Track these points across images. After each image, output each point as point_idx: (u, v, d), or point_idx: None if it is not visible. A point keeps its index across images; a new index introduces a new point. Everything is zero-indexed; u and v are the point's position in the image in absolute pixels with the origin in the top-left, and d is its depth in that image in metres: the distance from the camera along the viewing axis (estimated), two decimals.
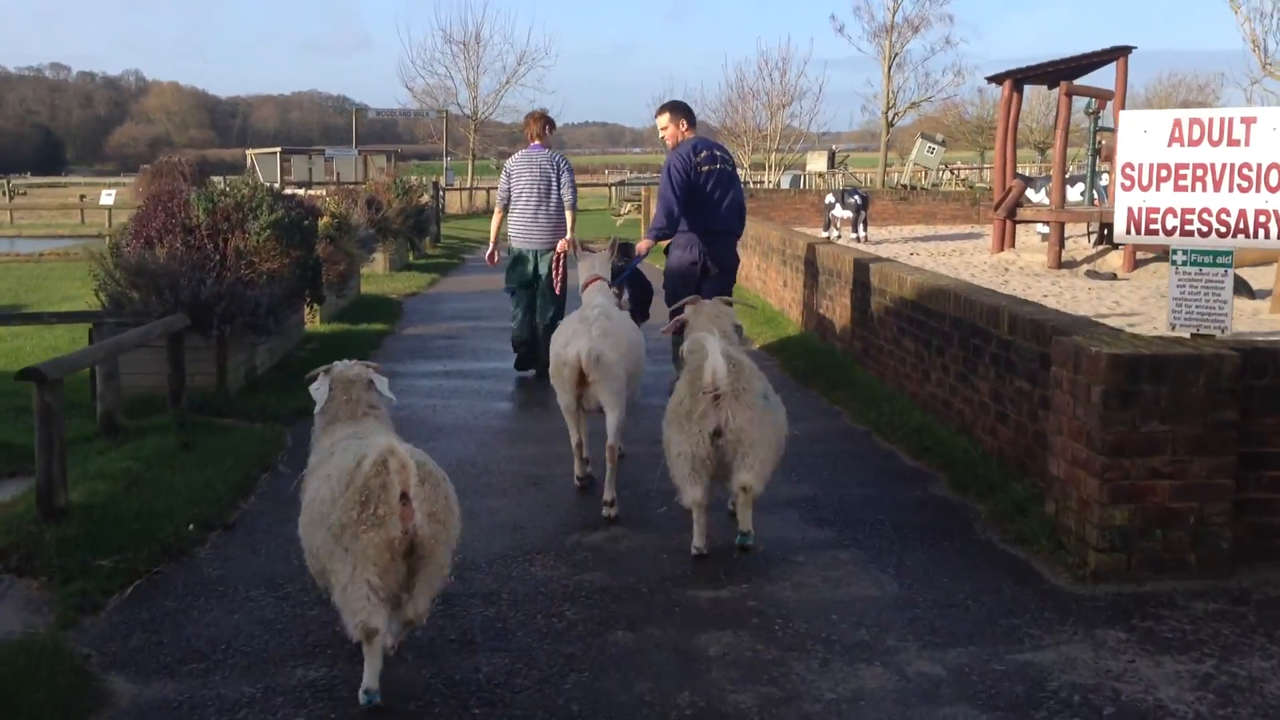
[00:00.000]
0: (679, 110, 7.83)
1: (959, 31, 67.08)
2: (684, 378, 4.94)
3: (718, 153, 7.71)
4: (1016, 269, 17.04)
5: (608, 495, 5.49)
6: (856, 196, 21.45)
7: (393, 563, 3.50)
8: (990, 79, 18.54)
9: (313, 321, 10.89)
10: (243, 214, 7.98)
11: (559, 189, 8.72)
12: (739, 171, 8.18)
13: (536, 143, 8.90)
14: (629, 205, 36.70)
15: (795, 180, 53.72)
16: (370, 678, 3.55)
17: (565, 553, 5.02)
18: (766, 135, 42.86)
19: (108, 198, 27.49)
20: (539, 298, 8.77)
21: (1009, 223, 18.45)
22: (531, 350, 8.82)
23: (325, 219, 11.49)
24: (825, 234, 21.68)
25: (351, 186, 25.67)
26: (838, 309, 9.21)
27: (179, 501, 5.36)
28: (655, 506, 5.64)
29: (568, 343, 5.63)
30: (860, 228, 21.42)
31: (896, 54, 43.98)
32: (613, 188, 49.87)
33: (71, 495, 5.21)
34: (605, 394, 5.56)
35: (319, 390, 4.26)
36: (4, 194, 41.81)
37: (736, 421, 4.69)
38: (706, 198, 7.48)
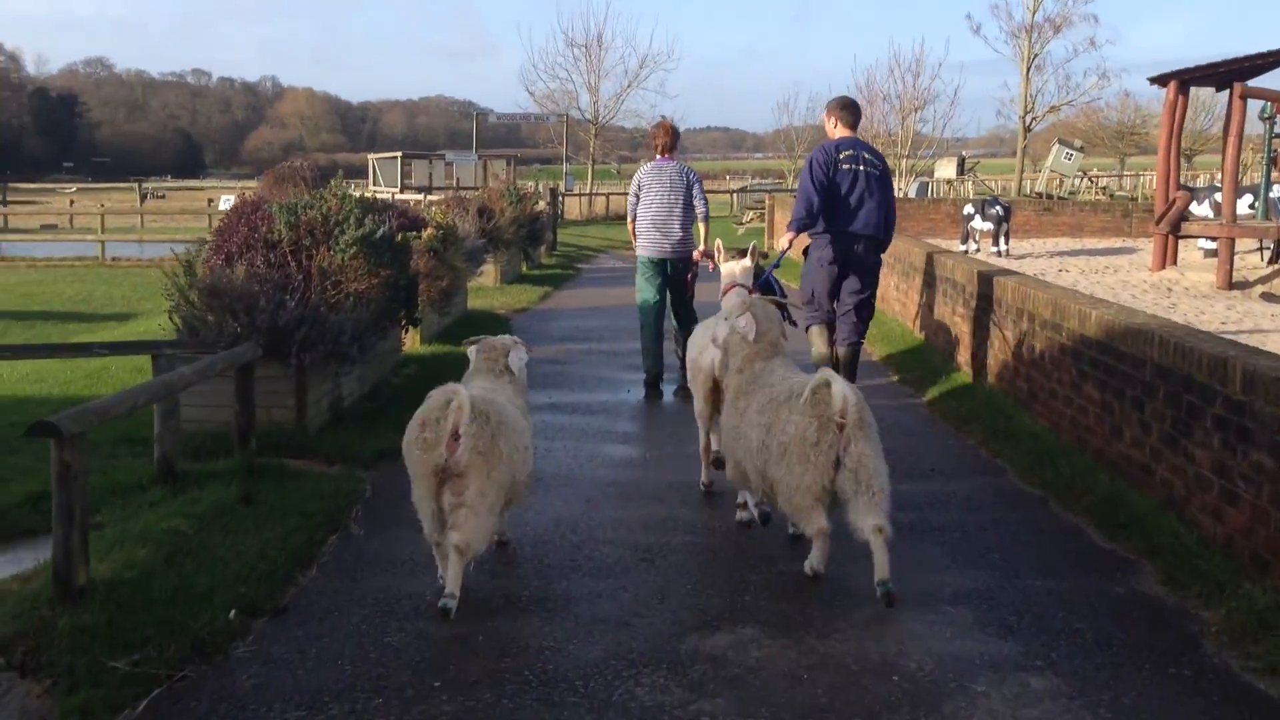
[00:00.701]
0: (837, 106, 7.88)
1: (1103, 32, 64.01)
2: (802, 404, 4.61)
3: (865, 154, 7.62)
4: (1181, 289, 15.46)
5: (742, 514, 5.57)
6: (998, 207, 19.98)
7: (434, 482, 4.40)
8: (1153, 80, 16.94)
9: (412, 342, 10.12)
10: (328, 229, 7.19)
11: (689, 199, 8.81)
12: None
13: (665, 155, 8.95)
14: (751, 214, 35.53)
15: (923, 188, 51.73)
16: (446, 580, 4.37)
17: (680, 665, 4.01)
18: (896, 140, 41.10)
19: (226, 202, 27.51)
20: (670, 306, 8.93)
21: (1171, 238, 16.84)
22: (659, 368, 8.88)
23: (429, 231, 10.73)
24: (963, 247, 20.27)
25: (468, 192, 25.20)
26: (996, 342, 8.01)
27: (225, 577, 4.52)
28: (790, 595, 4.62)
29: (703, 349, 5.81)
30: (1001, 241, 19.95)
31: (1036, 55, 41.79)
32: (734, 194, 48.65)
33: (101, 567, 4.41)
34: None
35: (472, 353, 5.38)
36: (138, 197, 42.87)
37: (857, 450, 4.54)
38: (844, 198, 7.47)
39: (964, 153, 64.30)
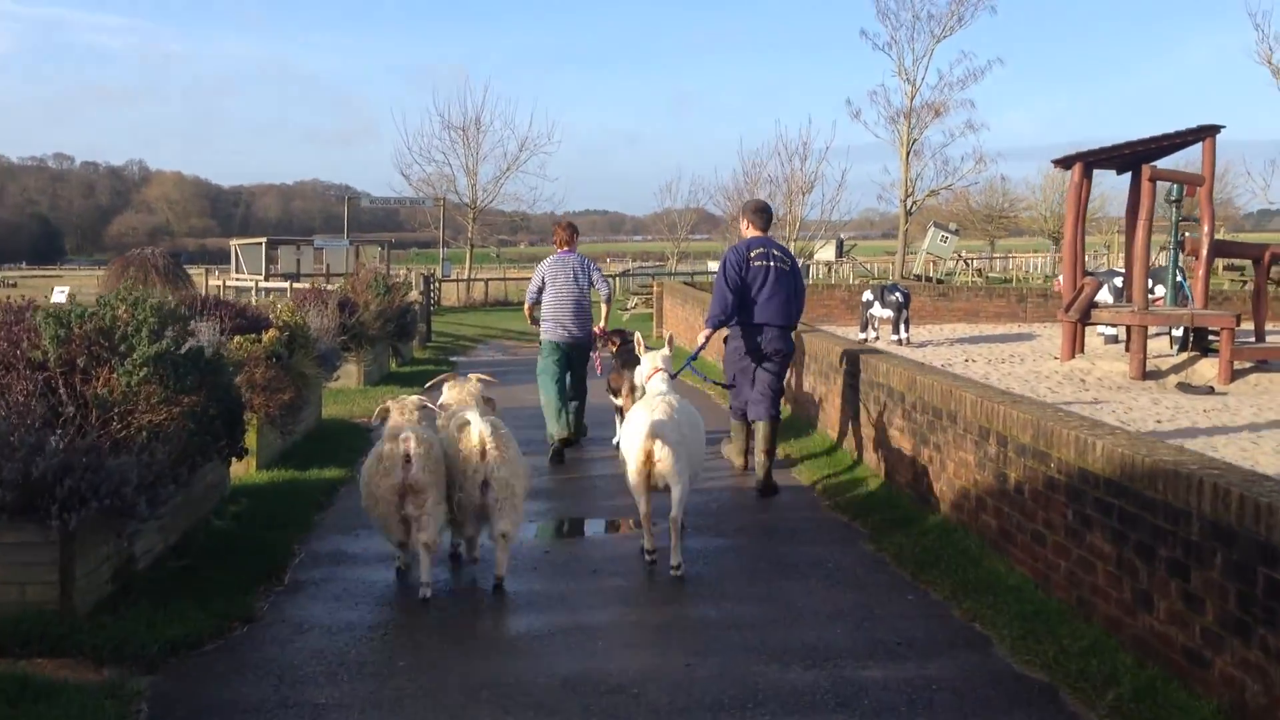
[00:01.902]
0: (751, 210, 8.83)
1: (980, 116, 65.39)
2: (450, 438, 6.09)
3: (775, 251, 8.41)
4: (1094, 380, 14.60)
5: (675, 560, 6.22)
6: (898, 294, 19.09)
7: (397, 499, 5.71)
8: (1057, 163, 16.31)
9: (246, 470, 8.38)
10: (112, 344, 5.51)
11: (590, 286, 9.81)
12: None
13: (566, 249, 10.00)
14: (636, 299, 34.29)
15: (804, 271, 51.59)
16: (407, 560, 6.09)
17: None
18: (784, 224, 40.57)
19: (60, 295, 25.10)
20: (570, 385, 9.86)
21: (1080, 326, 16.05)
22: (565, 434, 9.62)
23: (270, 334, 9.05)
24: (862, 335, 19.30)
25: (335, 280, 23.46)
26: (951, 466, 6.70)
27: None
28: None
29: (639, 427, 6.23)
30: (902, 328, 19.04)
31: (915, 140, 41.99)
32: (617, 278, 47.54)
33: None
34: (670, 473, 6.18)
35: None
36: None
37: (500, 474, 5.87)
38: (756, 293, 8.21)
39: (842, 235, 64.80)
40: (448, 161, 44.36)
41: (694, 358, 8.33)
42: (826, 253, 59.55)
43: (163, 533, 6.22)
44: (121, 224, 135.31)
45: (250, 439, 8.38)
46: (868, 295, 19.50)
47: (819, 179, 39.17)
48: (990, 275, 63.41)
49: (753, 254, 8.28)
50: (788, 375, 10.65)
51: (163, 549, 6.23)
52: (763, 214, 8.75)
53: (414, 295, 20.81)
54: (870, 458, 8.42)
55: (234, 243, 43.60)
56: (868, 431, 8.49)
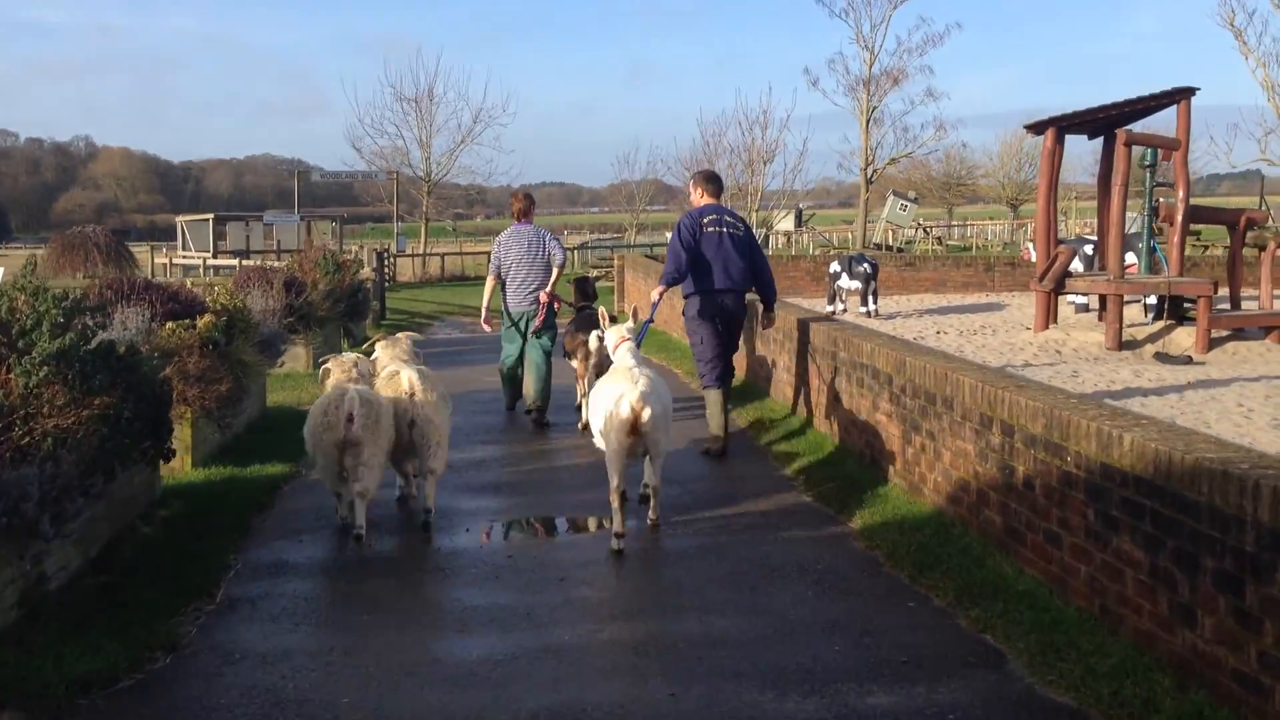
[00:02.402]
0: (702, 179, 8.96)
1: (939, 84, 64.40)
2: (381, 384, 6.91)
3: (727, 218, 8.61)
4: (1069, 351, 14.18)
5: (653, 514, 6.70)
6: (865, 265, 18.58)
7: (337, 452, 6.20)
8: (1029, 128, 15.82)
9: (181, 467, 7.72)
10: (9, 339, 4.83)
11: (546, 255, 10.04)
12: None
13: (523, 220, 10.23)
14: (595, 272, 33.59)
15: (764, 241, 51.13)
16: (344, 511, 6.51)
17: None
18: (746, 193, 39.91)
19: None
20: (529, 347, 10.07)
21: (1052, 296, 15.64)
22: (517, 390, 10.40)
23: (206, 319, 8.36)
24: (830, 308, 18.79)
25: (286, 256, 22.60)
26: (947, 455, 6.17)
27: None
28: None
29: (619, 398, 6.25)
30: (870, 300, 18.54)
31: (875, 108, 41.48)
32: (575, 251, 46.68)
33: None
34: (651, 441, 6.39)
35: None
36: None
37: (424, 413, 6.62)
38: (709, 259, 8.39)
39: (801, 204, 64.40)
40: (400, 134, 43.36)
41: (650, 321, 8.28)
42: (785, 223, 59.07)
43: (80, 546, 5.57)
44: (68, 201, 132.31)
45: (184, 435, 7.74)
46: (835, 266, 18.98)
47: (780, 148, 38.42)
48: (950, 243, 63.39)
49: (705, 220, 8.49)
50: (766, 352, 10.10)
51: (80, 564, 5.58)
52: (713, 181, 8.96)
53: (366, 272, 20.08)
54: (854, 444, 7.89)
55: (180, 219, 42.34)
56: (850, 416, 7.96)
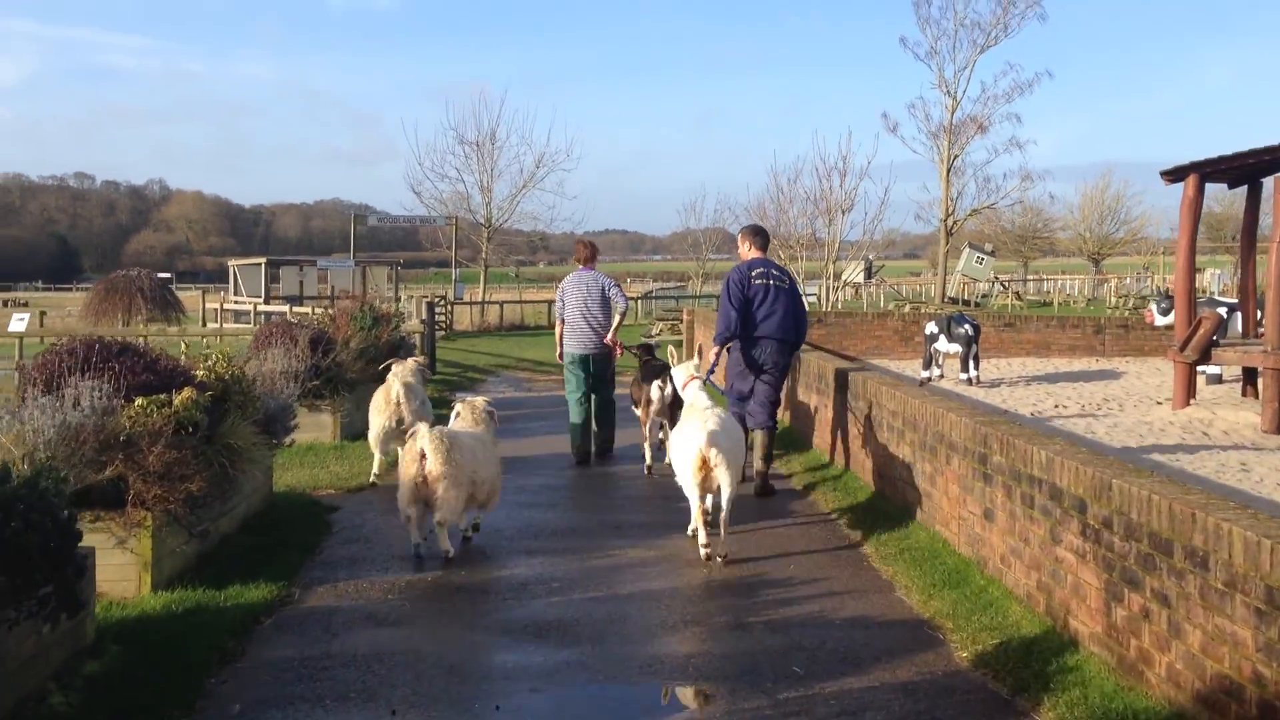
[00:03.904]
0: (750, 233, 9.47)
1: (1025, 132, 61.34)
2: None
3: (773, 271, 9.14)
4: (1219, 434, 12.07)
5: (723, 550, 7.04)
6: (966, 326, 16.57)
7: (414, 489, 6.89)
8: (1167, 175, 13.78)
9: (139, 590, 5.97)
10: None
11: (608, 300, 10.47)
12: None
13: (586, 265, 10.68)
14: (661, 325, 31.80)
15: (824, 292, 48.97)
16: (415, 537, 7.09)
17: None
18: (822, 244, 37.76)
19: (19, 323, 22.76)
20: (594, 390, 10.55)
21: (1193, 368, 13.54)
22: (587, 447, 10.59)
23: (185, 394, 6.65)
24: (925, 374, 16.80)
25: (322, 307, 21.05)
26: (1195, 635, 4.21)
27: None
28: None
29: (691, 436, 6.94)
30: (971, 365, 16.52)
31: (956, 156, 39.43)
32: (639, 300, 44.87)
33: None
34: (724, 477, 6.89)
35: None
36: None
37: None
38: (756, 310, 8.92)
39: (870, 256, 62.27)
40: (461, 178, 42.14)
41: (711, 372, 8.56)
42: (852, 273, 56.71)
43: None
44: (139, 243, 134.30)
45: (141, 548, 6.01)
46: (931, 327, 16.98)
47: (859, 196, 36.34)
48: (1028, 298, 60.79)
49: (754, 274, 9.02)
50: (887, 439, 8.28)
51: None
52: (760, 235, 9.54)
53: (412, 325, 18.46)
54: (1017, 582, 5.91)
55: (233, 263, 41.33)
56: (1011, 545, 6.00)
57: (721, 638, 5.62)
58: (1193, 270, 13.80)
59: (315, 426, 11.22)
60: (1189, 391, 13.47)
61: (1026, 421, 11.77)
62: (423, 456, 6.87)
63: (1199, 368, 15.16)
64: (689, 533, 7.39)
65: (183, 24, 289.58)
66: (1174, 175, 13.67)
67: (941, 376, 17.00)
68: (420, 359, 10.58)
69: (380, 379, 10.71)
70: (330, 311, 14.00)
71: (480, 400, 8.15)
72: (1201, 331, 13.19)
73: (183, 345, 17.33)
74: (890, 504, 8.14)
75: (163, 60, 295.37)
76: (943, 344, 16.79)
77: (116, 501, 5.99)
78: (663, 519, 8.22)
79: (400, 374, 9.75)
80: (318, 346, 11.32)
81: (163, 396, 6.69)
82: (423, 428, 7.10)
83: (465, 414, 7.88)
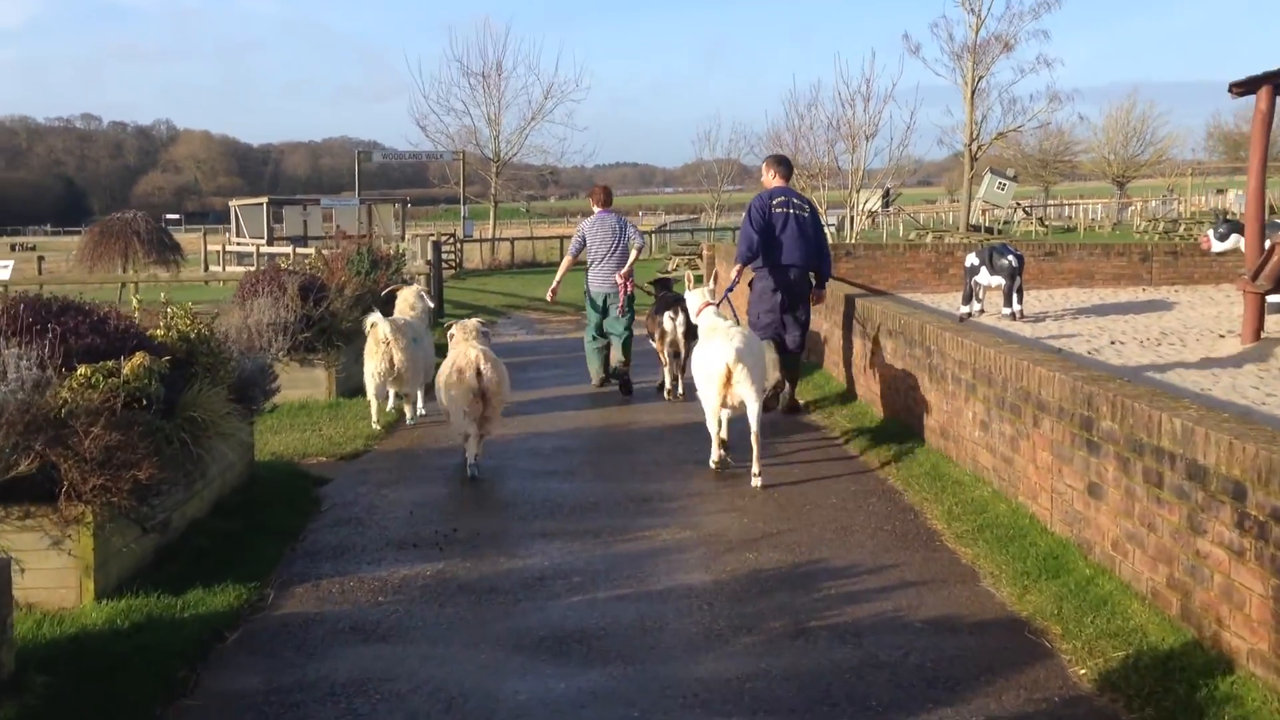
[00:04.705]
0: (774, 162, 9.78)
1: (1054, 49, 58.42)
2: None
3: (795, 200, 9.40)
4: None
5: (756, 470, 7.11)
6: (1010, 257, 15.37)
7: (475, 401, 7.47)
8: (1237, 86, 12.49)
9: (80, 600, 5.00)
10: None
11: (626, 240, 10.89)
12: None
13: (603, 209, 11.16)
14: (677, 260, 30.58)
15: (843, 222, 47.64)
16: (470, 454, 7.57)
17: None
18: (827, 172, 36.36)
19: (2, 270, 21.75)
20: (608, 324, 10.97)
21: (1263, 299, 12.39)
22: (604, 364, 11.25)
23: (135, 362, 5.63)
24: (965, 309, 15.65)
25: (328, 248, 19.92)
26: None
27: None
28: None
29: (715, 351, 7.14)
30: (1015, 300, 15.37)
31: (981, 77, 37.80)
32: (652, 235, 43.54)
33: None
34: (748, 393, 7.06)
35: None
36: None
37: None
38: (777, 238, 9.16)
39: (888, 184, 60.68)
40: (468, 111, 40.68)
41: (730, 290, 8.98)
42: (872, 202, 55.07)
43: None
44: (148, 184, 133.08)
45: (81, 549, 5.02)
46: (972, 259, 15.78)
47: (882, 122, 34.77)
48: (1052, 224, 59.12)
49: (774, 202, 9.23)
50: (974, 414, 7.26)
51: None
52: (783, 165, 9.76)
53: (418, 265, 17.39)
54: (1149, 587, 4.88)
55: (234, 203, 40.06)
56: (1159, 546, 4.96)
57: (781, 650, 4.62)
58: (1263, 193, 12.60)
59: (308, 383, 10.22)
60: (1260, 324, 12.33)
61: (1085, 362, 10.66)
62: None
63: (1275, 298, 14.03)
64: (711, 464, 7.48)
65: None
66: (1245, 87, 12.39)
67: (982, 311, 15.86)
68: (421, 288, 10.80)
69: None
70: (324, 254, 12.92)
71: (473, 321, 8.41)
72: (1276, 259, 12.02)
73: (162, 297, 16.39)
74: (958, 469, 7.10)
75: None
76: (984, 276, 15.62)
77: (49, 495, 5.00)
78: (696, 487, 7.22)
79: (400, 302, 10.24)
80: (309, 294, 10.28)
81: (111, 364, 5.66)
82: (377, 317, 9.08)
83: (459, 335, 8.10)
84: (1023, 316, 15.36)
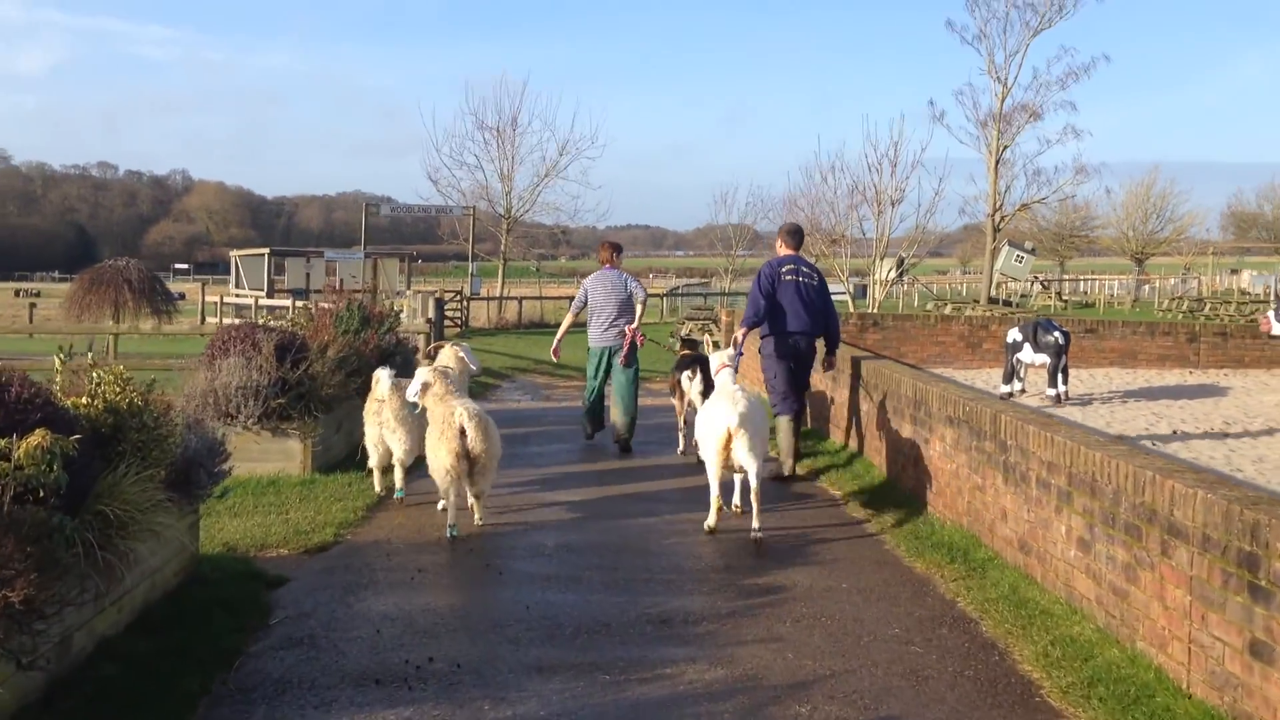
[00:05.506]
0: (785, 232, 9.94)
1: (1081, 120, 57.94)
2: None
3: (803, 269, 9.60)
4: None
5: (756, 523, 7.19)
6: (1056, 334, 14.20)
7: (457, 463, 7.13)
8: None
9: None
10: None
11: (629, 298, 10.96)
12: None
13: (610, 265, 11.16)
14: (690, 325, 29.44)
15: (860, 291, 46.73)
16: (450, 518, 7.28)
17: None
18: (843, 240, 35.44)
19: None
20: (614, 375, 10.91)
21: None
22: (597, 419, 11.32)
23: (30, 441, 4.46)
24: (1006, 388, 14.47)
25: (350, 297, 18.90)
26: None
27: None
28: None
29: (716, 415, 7.28)
30: (1060, 380, 14.18)
31: (1006, 146, 36.92)
32: (664, 298, 42.38)
33: None
34: (747, 456, 7.17)
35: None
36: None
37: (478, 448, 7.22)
38: (784, 305, 9.38)
39: (902, 253, 59.65)
40: (480, 165, 39.91)
41: (738, 354, 8.75)
42: (885, 271, 54.10)
43: None
44: (159, 233, 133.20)
45: None
46: (1014, 335, 14.62)
47: (909, 189, 33.80)
48: (1070, 299, 58.08)
49: (783, 269, 9.47)
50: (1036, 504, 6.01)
51: None
52: (795, 235, 9.89)
53: (418, 324, 16.26)
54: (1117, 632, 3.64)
55: (235, 254, 39.16)
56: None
57: None
58: None
59: (281, 455, 9.01)
60: None
61: (1161, 455, 9.42)
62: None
63: None
64: (706, 527, 7.48)
65: (207, 14, 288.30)
66: None
67: (1023, 391, 14.69)
68: (465, 345, 9.76)
69: (364, 394, 8.62)
70: (309, 309, 11.79)
71: (448, 352, 8.96)
72: None
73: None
74: (1046, 596, 5.85)
75: (186, 50, 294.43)
76: (1027, 354, 14.44)
77: None
78: (726, 606, 5.98)
79: (438, 362, 8.94)
80: (286, 354, 9.12)
81: (1, 443, 4.48)
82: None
83: (438, 388, 7.65)
84: (1068, 399, 14.19)
